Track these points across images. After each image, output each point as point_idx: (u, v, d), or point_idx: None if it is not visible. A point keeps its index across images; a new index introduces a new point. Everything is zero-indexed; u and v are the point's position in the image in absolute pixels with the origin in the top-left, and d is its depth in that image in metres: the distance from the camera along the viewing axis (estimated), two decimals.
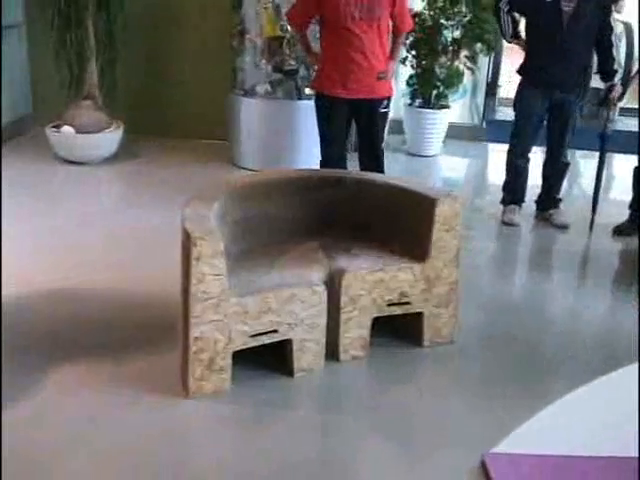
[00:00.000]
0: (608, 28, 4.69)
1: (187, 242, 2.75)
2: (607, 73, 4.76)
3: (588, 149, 5.37)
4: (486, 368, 3.24)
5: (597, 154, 4.97)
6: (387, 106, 4.53)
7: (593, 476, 1.23)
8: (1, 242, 3.65)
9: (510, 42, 4.94)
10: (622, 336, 3.62)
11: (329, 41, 4.41)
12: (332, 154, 4.52)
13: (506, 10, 4.70)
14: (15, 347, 3.08)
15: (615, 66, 4.75)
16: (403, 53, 6.10)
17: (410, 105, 6.69)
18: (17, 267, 3.65)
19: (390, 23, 4.42)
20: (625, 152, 6.45)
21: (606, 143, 4.92)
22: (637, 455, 1.27)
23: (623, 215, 4.96)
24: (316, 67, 4.64)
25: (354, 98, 4.36)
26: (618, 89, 4.77)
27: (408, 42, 6.18)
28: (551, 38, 4.57)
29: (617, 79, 4.78)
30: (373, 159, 4.58)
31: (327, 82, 4.41)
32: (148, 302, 3.15)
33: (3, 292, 3.30)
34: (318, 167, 4.55)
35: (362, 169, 4.51)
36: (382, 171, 4.53)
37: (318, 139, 4.61)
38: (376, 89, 4.40)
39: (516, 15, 4.77)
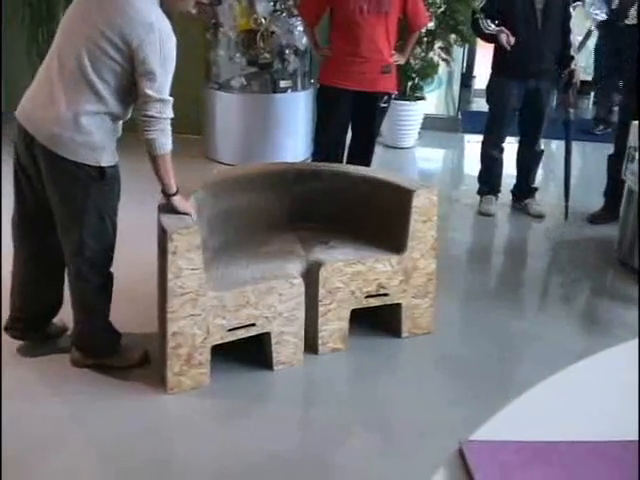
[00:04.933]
0: (567, 15, 4.74)
1: (163, 236, 2.73)
2: (565, 59, 4.79)
3: (560, 138, 5.40)
4: (464, 358, 3.25)
5: (578, 143, 5.00)
6: (387, 102, 4.52)
7: (572, 462, 1.23)
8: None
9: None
10: (601, 322, 3.65)
11: (337, 34, 4.42)
12: (330, 148, 4.49)
13: (482, 15, 4.68)
14: None
15: (572, 52, 4.80)
16: None
17: None
18: None
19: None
20: (601, 141, 6.52)
21: (570, 130, 4.96)
22: (616, 440, 1.28)
23: (598, 203, 5.00)
24: (323, 60, 4.63)
25: (357, 90, 4.35)
26: (578, 74, 4.82)
27: None
28: (526, 33, 4.59)
29: (574, 64, 4.82)
30: (364, 153, 4.58)
31: (334, 74, 4.40)
32: (124, 298, 3.12)
33: None
34: (298, 160, 4.53)
35: (349, 161, 4.50)
36: (369, 165, 4.52)
37: (308, 132, 4.55)
38: (380, 83, 4.40)
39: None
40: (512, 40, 4.55)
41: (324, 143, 4.54)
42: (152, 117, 2.63)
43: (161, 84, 2.62)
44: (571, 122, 4.94)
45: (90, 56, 2.59)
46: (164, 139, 2.68)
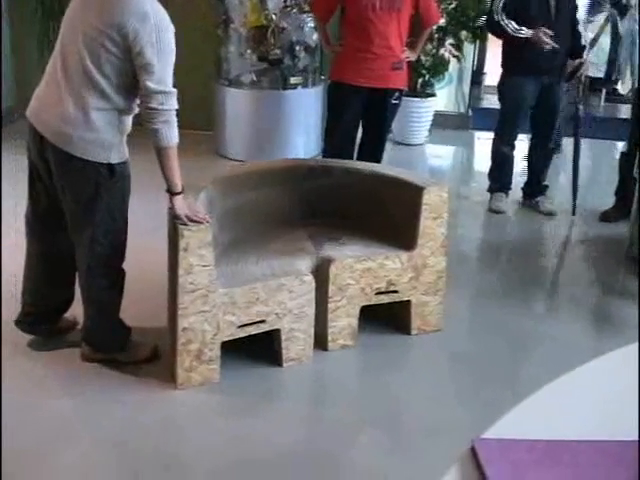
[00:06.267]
0: (575, 6, 4.72)
1: (174, 233, 2.73)
2: (575, 50, 4.76)
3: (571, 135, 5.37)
4: (474, 356, 3.25)
5: (589, 140, 4.96)
6: (398, 98, 4.50)
7: (583, 460, 1.23)
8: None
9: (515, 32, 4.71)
10: (612, 321, 3.64)
11: (349, 30, 4.40)
12: (341, 144, 4.47)
13: (503, 16, 4.62)
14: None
15: (582, 42, 4.77)
16: None
17: None
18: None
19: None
20: (612, 139, 6.49)
21: (579, 126, 4.91)
22: (628, 439, 1.27)
23: (610, 201, 4.98)
24: (333, 56, 4.60)
25: (369, 87, 4.34)
26: (586, 66, 4.79)
27: None
28: (542, 22, 4.56)
29: (585, 54, 4.79)
30: (375, 150, 4.56)
31: (345, 70, 4.39)
32: (135, 294, 3.13)
33: None
34: (308, 156, 4.51)
35: (360, 158, 4.49)
36: (379, 162, 4.50)
37: (318, 128, 4.52)
38: (391, 79, 4.39)
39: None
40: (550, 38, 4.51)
41: (335, 140, 4.53)
42: (154, 109, 2.59)
43: (161, 76, 2.57)
44: (580, 118, 4.91)
45: (90, 53, 2.58)
46: (169, 131, 2.62)
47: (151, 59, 2.54)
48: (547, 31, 4.50)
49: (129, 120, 2.78)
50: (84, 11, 2.63)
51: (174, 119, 2.64)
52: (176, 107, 2.64)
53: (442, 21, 6.18)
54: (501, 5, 4.60)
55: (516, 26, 4.55)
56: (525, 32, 4.55)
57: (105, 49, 2.56)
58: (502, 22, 4.60)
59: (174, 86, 2.64)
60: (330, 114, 4.57)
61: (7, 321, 3.12)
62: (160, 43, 2.55)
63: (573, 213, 4.97)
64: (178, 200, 2.73)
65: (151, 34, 2.52)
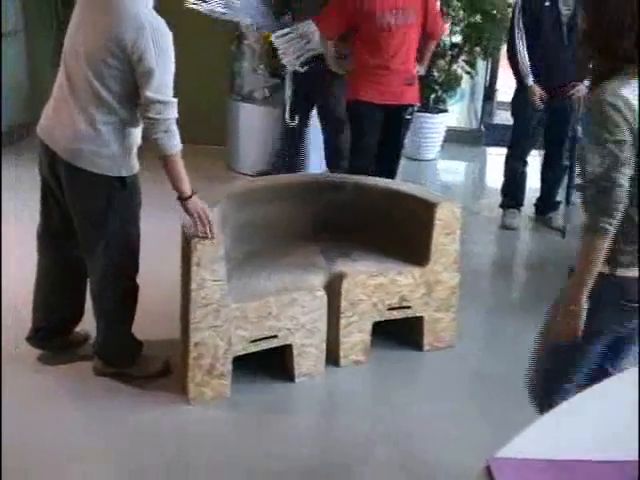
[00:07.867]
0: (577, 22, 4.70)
1: (187, 247, 2.74)
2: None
3: None
4: (487, 372, 3.23)
5: None
6: (411, 114, 4.49)
7: None
8: (1, 243, 3.67)
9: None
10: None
11: (362, 48, 4.34)
12: (364, 164, 4.46)
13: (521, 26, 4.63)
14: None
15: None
16: None
17: None
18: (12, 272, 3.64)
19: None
20: None
21: (576, 147, 4.79)
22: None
23: None
24: (348, 75, 4.56)
25: (385, 104, 4.34)
26: (582, 89, 4.74)
27: None
28: (554, 42, 4.56)
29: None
30: (389, 165, 4.54)
31: (361, 89, 4.37)
32: (147, 308, 3.14)
33: None
34: (320, 171, 4.48)
35: (375, 174, 4.46)
36: (394, 177, 4.48)
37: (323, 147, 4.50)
38: (405, 95, 4.37)
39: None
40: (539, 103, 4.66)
41: (361, 158, 4.46)
42: (153, 119, 2.60)
43: (160, 84, 2.58)
44: (577, 140, 4.80)
45: (94, 70, 2.60)
46: (170, 140, 2.63)
47: (151, 65, 2.55)
48: (542, 93, 4.63)
49: (137, 133, 2.79)
50: (83, 29, 2.66)
51: (174, 128, 2.65)
52: (176, 116, 2.65)
53: (457, 38, 6.19)
54: (519, 23, 4.59)
55: (527, 69, 4.62)
56: (529, 81, 4.65)
57: (107, 64, 2.58)
58: (519, 52, 4.60)
59: (179, 97, 2.64)
60: (353, 133, 4.53)
61: (18, 336, 3.12)
62: (159, 48, 2.56)
63: (563, 236, 4.87)
64: (191, 203, 2.72)
65: (149, 40, 2.54)
